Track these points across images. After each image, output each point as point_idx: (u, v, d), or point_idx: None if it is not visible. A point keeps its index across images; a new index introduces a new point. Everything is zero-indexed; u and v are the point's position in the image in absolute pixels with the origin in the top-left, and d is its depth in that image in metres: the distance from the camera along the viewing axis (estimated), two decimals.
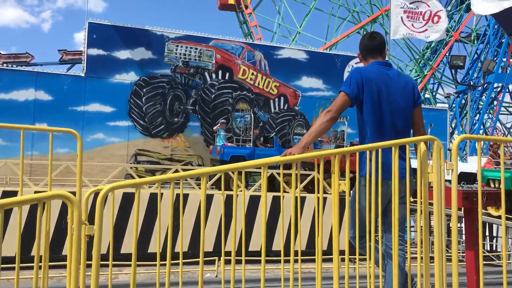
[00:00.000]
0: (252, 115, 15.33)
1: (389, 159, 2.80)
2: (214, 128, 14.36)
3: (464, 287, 3.74)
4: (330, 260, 2.91)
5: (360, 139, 3.42)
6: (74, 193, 3.11)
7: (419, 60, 31.91)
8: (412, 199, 2.91)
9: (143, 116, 15.59)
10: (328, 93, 17.89)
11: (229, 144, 13.69)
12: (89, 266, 2.04)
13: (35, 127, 4.07)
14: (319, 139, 14.55)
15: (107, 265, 3.04)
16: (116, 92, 15.20)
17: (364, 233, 2.97)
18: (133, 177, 12.95)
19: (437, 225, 2.58)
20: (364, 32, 27.57)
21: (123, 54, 15.47)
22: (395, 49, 30.35)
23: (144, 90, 15.63)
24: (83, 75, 14.99)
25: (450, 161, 2.65)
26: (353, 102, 3.30)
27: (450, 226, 2.93)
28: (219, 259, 7.62)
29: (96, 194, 2.70)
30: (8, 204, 1.84)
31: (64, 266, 2.27)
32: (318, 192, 2.85)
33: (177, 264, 2.59)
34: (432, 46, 33.69)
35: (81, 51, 17.25)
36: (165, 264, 2.35)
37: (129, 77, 15.51)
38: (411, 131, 3.48)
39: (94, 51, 15.10)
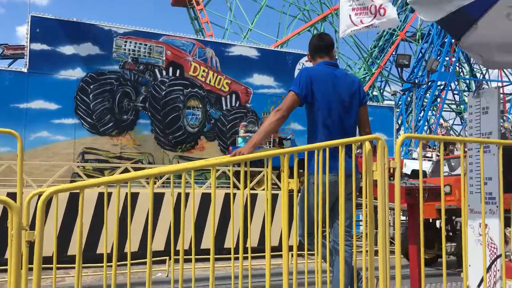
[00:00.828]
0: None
1: (336, 158, 2.87)
2: (240, 134, 14.38)
3: (407, 279, 3.89)
4: (280, 256, 2.96)
5: (308, 137, 3.50)
6: (15, 195, 2.99)
7: (367, 58, 32.79)
8: (359, 195, 2.99)
9: (91, 114, 15.14)
10: (279, 90, 18.03)
11: None
12: (32, 269, 1.97)
13: None
14: None
15: (52, 268, 2.94)
16: (62, 88, 14.66)
17: (312, 230, 3.03)
18: (80, 176, 12.56)
19: (381, 220, 2.68)
20: (315, 30, 28.00)
21: (68, 50, 14.95)
22: (344, 48, 31.05)
23: (91, 86, 15.17)
24: (25, 70, 14.36)
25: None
26: (302, 102, 3.37)
27: None
28: (170, 259, 7.54)
29: (40, 196, 2.61)
30: None
31: (7, 270, 2.18)
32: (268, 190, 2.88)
33: (126, 264, 2.55)
34: (379, 45, 34.68)
35: (23, 45, 16.53)
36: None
37: (75, 74, 15.01)
38: (357, 129, 3.60)
39: (38, 46, 14.50)
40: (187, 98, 16.66)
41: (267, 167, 2.85)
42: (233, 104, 17.50)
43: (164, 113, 16.17)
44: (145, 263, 6.25)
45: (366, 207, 2.64)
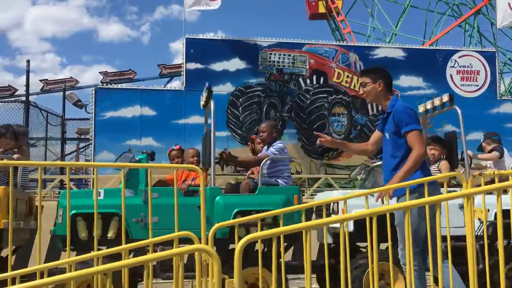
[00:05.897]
0: None
1: None
2: None
3: None
4: None
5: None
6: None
7: None
8: None
9: (241, 126, 15.80)
10: (429, 91, 16.89)
11: None
12: None
13: (160, 165, 4.26)
14: None
15: None
16: (214, 103, 15.55)
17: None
18: None
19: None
20: (467, 26, 25.77)
21: (219, 66, 15.84)
22: (502, 39, 27.92)
23: (240, 100, 15.84)
24: (183, 89, 15.59)
25: None
26: None
27: None
28: None
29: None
30: (153, 259, 1.84)
31: None
32: None
33: None
34: None
35: (178, 64, 17.97)
36: None
37: (226, 88, 15.82)
38: None
39: (192, 65, 15.62)
40: (332, 105, 16.50)
41: None
42: (380, 109, 16.71)
43: (310, 121, 16.20)
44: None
45: None
